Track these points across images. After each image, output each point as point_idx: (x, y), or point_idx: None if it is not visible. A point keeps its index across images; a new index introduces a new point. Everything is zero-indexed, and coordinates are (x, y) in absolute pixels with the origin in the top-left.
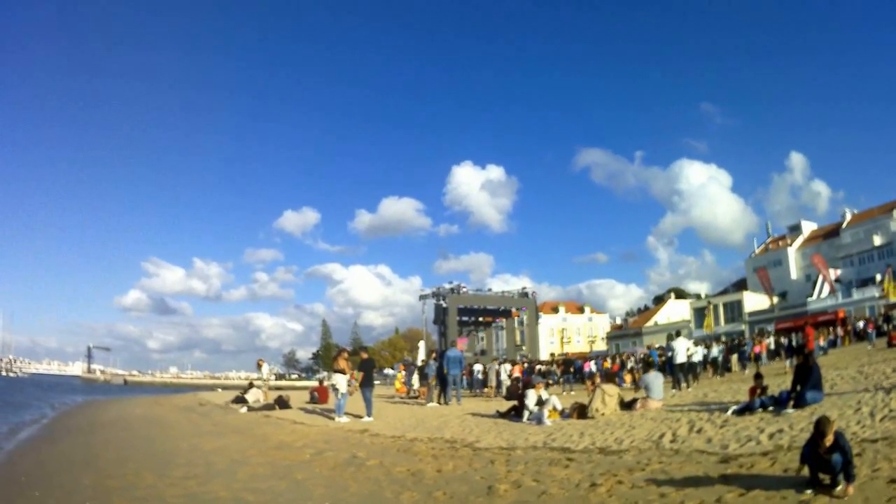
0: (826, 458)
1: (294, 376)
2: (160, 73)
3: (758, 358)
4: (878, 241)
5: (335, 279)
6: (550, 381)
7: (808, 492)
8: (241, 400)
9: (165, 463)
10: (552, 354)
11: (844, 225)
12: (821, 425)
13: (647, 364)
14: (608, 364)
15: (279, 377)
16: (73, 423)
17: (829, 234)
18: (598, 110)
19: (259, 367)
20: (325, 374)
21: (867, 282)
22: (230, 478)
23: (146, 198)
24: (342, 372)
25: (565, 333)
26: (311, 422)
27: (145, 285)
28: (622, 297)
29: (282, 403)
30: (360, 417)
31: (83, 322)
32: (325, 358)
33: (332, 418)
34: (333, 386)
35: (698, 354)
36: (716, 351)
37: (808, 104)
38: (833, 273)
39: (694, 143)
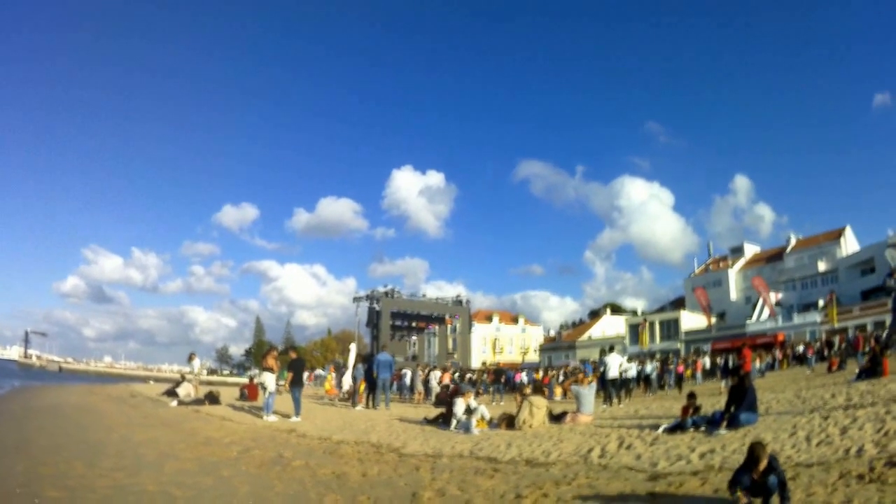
0: (761, 482)
1: (226, 372)
2: (102, 60)
3: (680, 378)
4: (822, 267)
5: (270, 276)
6: (480, 390)
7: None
8: (172, 393)
9: (96, 453)
10: (484, 363)
11: (789, 249)
12: (754, 451)
13: (579, 378)
14: (539, 375)
15: (211, 372)
16: (8, 409)
17: (773, 257)
18: (542, 123)
19: (190, 360)
20: (256, 371)
21: (809, 307)
22: (158, 471)
23: (89, 183)
24: (271, 370)
25: (498, 343)
26: (240, 419)
27: (84, 272)
28: (557, 309)
29: (212, 399)
30: (289, 417)
31: (21, 306)
32: (258, 355)
33: (261, 416)
34: (262, 384)
35: (631, 371)
36: (649, 368)
37: (756, 128)
38: (774, 296)
39: (637, 161)
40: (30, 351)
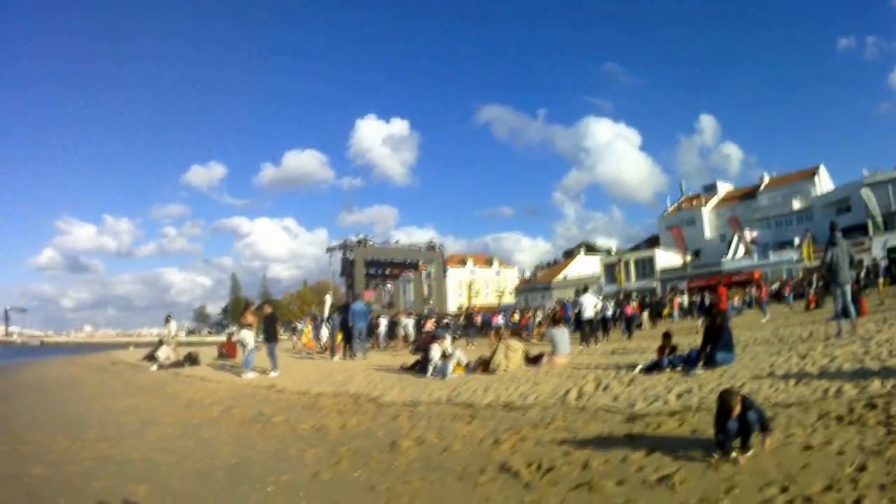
0: (742, 422)
1: (204, 331)
2: (60, 25)
3: (630, 320)
4: (797, 205)
5: (242, 232)
6: (457, 335)
7: (719, 452)
8: (151, 358)
9: (79, 425)
10: (460, 307)
11: (762, 188)
12: (725, 401)
13: (554, 319)
14: (516, 318)
15: (190, 332)
16: None
17: (746, 195)
18: (500, 68)
19: (167, 323)
20: (235, 328)
21: (784, 244)
22: (140, 438)
23: (57, 154)
24: (249, 327)
25: (473, 286)
26: (219, 378)
27: (58, 244)
28: (528, 250)
29: (191, 360)
30: (267, 373)
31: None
32: (235, 312)
33: (240, 374)
34: (241, 341)
35: (608, 310)
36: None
37: (719, 68)
38: (749, 234)
39: (599, 102)
40: (11, 328)
